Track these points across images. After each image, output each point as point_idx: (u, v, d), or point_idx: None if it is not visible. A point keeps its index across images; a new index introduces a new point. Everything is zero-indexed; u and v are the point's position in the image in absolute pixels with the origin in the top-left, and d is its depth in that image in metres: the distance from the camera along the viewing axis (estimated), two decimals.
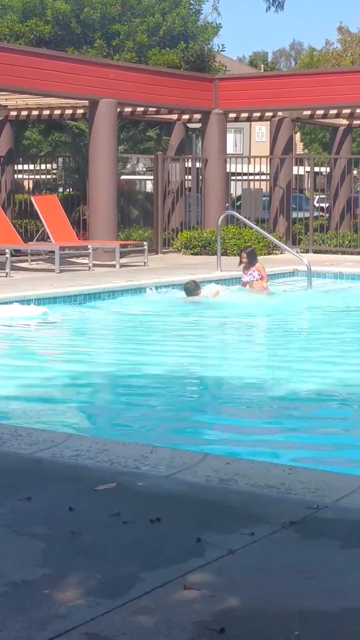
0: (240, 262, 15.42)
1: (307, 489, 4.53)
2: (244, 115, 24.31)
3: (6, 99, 21.84)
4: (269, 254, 21.44)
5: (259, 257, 15.89)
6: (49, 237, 19.18)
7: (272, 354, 10.59)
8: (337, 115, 23.63)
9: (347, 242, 22.54)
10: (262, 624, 3.14)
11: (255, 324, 13.02)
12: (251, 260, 15.28)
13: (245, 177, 26.31)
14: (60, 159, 27.17)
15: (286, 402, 8.07)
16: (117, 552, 3.74)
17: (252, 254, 15.46)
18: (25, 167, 26.95)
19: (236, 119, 24.66)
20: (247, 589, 3.40)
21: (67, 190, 26.16)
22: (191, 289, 14.42)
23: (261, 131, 52.71)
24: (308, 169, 24.69)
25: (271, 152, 23.99)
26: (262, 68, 68.30)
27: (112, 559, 3.67)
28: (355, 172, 29.08)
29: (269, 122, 24.58)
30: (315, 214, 27.63)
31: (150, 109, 23.15)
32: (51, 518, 4.13)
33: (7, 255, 16.25)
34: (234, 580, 3.49)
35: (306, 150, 47.06)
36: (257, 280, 15.19)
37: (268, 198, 24.36)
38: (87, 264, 17.78)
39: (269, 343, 11.60)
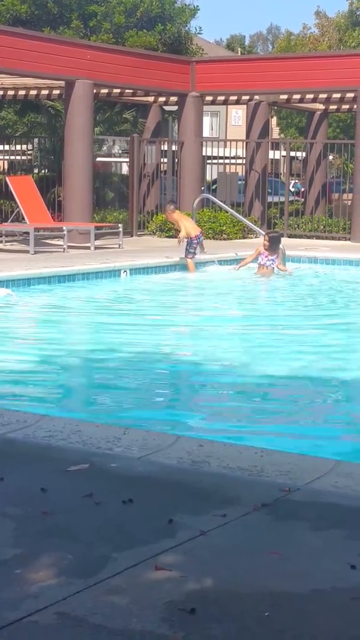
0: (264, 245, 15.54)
1: (279, 471, 4.55)
2: (221, 98, 24.27)
3: None
4: (244, 237, 21.46)
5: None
6: (23, 218, 19.10)
7: (247, 337, 10.61)
8: (314, 100, 23.64)
9: (322, 227, 22.60)
10: (232, 604, 3.16)
11: (232, 306, 13.04)
12: (273, 247, 15.39)
13: (221, 161, 26.28)
14: (35, 140, 27.03)
15: (260, 385, 8.10)
16: (89, 533, 3.75)
17: (275, 240, 15.53)
18: (0, 147, 26.79)
19: (213, 102, 24.61)
20: (218, 570, 3.42)
21: (43, 171, 26.03)
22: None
23: (237, 115, 52.64)
24: (284, 153, 24.67)
25: (247, 136, 23.97)
26: (239, 51, 68.18)
27: (84, 540, 3.68)
28: (330, 157, 29.11)
29: (245, 106, 24.56)
30: (291, 198, 27.65)
31: (127, 90, 23.07)
32: (23, 498, 4.13)
33: None
34: (205, 561, 3.50)
35: (282, 135, 47.06)
36: (271, 267, 15.36)
37: (244, 182, 24.35)
38: (62, 245, 17.73)
39: (244, 326, 11.61)
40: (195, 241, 15.83)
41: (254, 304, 13.43)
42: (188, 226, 16.00)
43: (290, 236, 22.04)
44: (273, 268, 15.43)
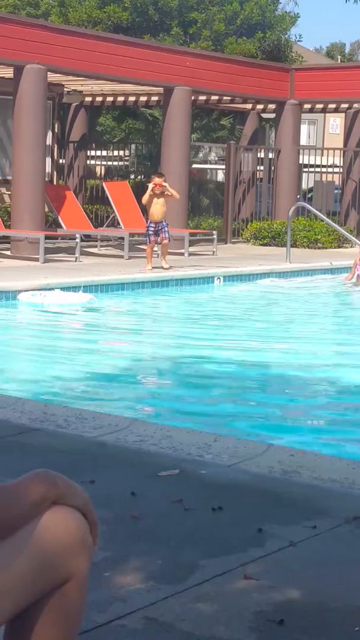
0: None
1: None
2: (319, 106, 24.12)
3: (82, 85, 21.94)
4: (339, 247, 21.28)
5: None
6: (119, 224, 19.25)
7: (340, 347, 10.51)
8: None
9: None
10: (321, 617, 3.12)
11: (326, 316, 12.94)
12: None
13: (317, 169, 26.13)
14: (133, 146, 27.24)
15: (353, 396, 8.00)
16: (178, 539, 3.74)
17: None
18: (98, 153, 27.07)
19: (311, 110, 24.48)
20: (307, 582, 3.38)
21: (139, 177, 26.22)
22: None
23: (335, 123, 52.23)
24: None
25: (345, 145, 23.78)
26: (339, 59, 67.70)
27: (173, 545, 3.67)
28: None
29: (343, 114, 24.37)
30: None
31: (225, 97, 23.07)
32: (113, 501, 4.14)
33: (77, 240, 16.36)
34: (295, 572, 3.47)
35: None
36: None
37: (340, 191, 24.16)
38: (157, 251, 17.80)
39: (337, 336, 11.51)
40: (166, 224, 15.53)
41: (348, 314, 13.30)
42: (163, 210, 15.60)
43: None
44: None
